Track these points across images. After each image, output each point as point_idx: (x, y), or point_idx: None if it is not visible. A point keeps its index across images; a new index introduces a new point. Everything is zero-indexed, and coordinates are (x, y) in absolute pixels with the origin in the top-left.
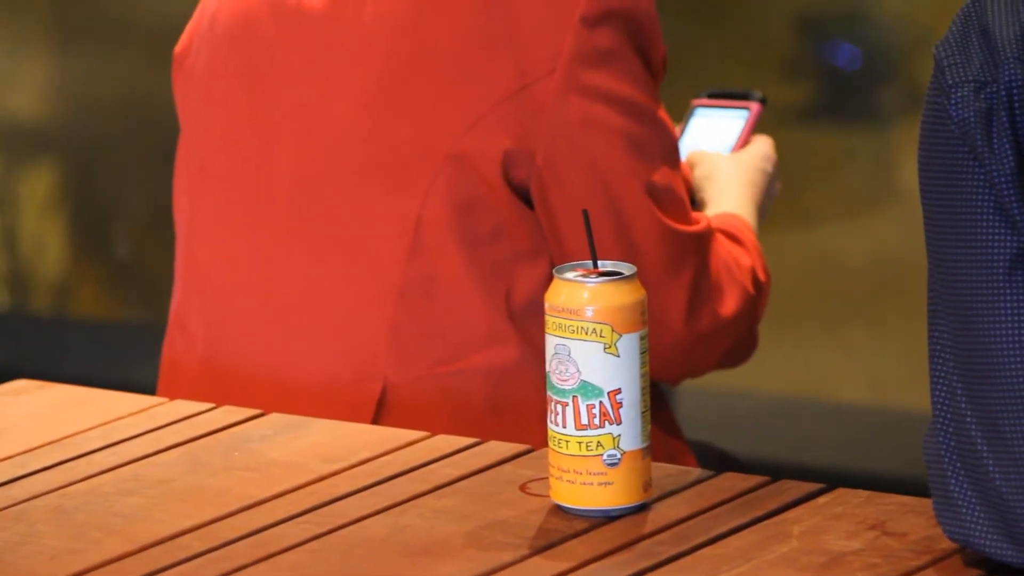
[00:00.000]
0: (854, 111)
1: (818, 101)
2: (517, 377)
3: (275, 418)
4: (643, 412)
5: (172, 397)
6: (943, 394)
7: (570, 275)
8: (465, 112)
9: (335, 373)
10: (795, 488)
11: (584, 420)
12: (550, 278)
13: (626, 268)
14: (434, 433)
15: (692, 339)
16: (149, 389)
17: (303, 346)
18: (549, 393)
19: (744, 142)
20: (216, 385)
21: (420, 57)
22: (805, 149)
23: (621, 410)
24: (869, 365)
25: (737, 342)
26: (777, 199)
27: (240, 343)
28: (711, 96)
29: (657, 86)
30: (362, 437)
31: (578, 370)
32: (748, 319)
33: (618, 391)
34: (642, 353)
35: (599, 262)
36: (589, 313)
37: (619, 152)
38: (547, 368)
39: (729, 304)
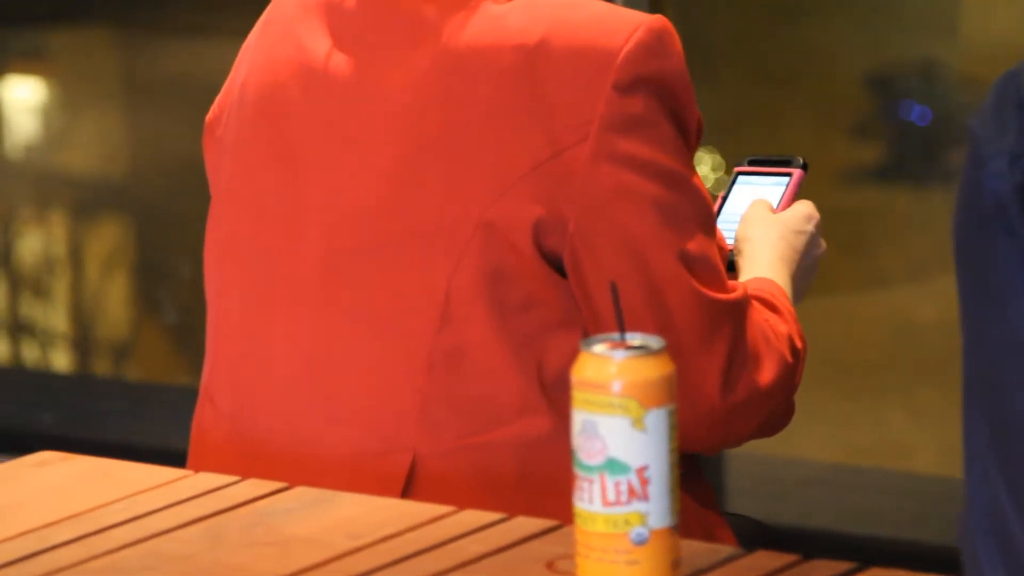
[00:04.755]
0: (925, 171)
1: (889, 161)
2: (549, 449)
3: (300, 492)
4: (672, 489)
5: (200, 469)
6: (977, 473)
7: (597, 348)
8: (495, 180)
9: (364, 446)
10: (825, 568)
11: (611, 497)
12: None
13: (654, 341)
14: (464, 506)
15: (728, 409)
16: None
17: (331, 419)
18: (575, 469)
19: (786, 208)
20: (243, 458)
21: (449, 125)
22: (876, 210)
23: (649, 487)
24: (939, 430)
25: (774, 411)
26: (848, 260)
27: (268, 415)
28: (752, 163)
29: (693, 151)
30: (388, 512)
31: (605, 446)
32: (786, 388)
33: (646, 467)
34: (671, 428)
35: (628, 335)
36: (616, 388)
37: (651, 220)
38: (573, 444)
39: (767, 373)
